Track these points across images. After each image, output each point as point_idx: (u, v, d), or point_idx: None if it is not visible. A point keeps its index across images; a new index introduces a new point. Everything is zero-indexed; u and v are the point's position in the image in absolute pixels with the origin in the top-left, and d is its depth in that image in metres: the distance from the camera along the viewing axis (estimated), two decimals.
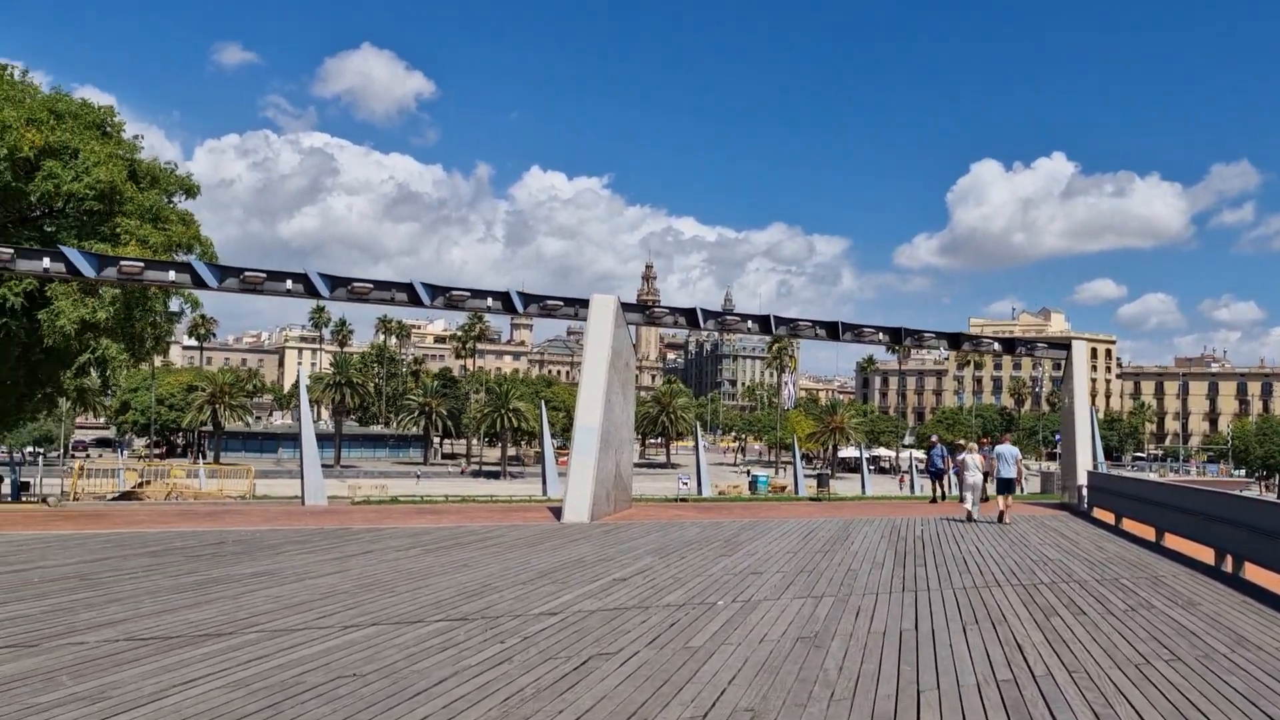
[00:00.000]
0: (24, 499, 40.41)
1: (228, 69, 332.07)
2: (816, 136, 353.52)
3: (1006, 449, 21.85)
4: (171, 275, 19.29)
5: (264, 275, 19.20)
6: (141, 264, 18.57)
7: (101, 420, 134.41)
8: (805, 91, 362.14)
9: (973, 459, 21.34)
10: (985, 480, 21.97)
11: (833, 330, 24.40)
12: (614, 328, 20.32)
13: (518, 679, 6.86)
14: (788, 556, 14.04)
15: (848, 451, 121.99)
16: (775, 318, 23.99)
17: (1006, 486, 20.98)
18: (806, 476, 54.84)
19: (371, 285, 20.20)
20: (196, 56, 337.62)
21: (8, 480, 51.20)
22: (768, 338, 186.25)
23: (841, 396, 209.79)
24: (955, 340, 26.81)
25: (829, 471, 72.97)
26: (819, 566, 12.99)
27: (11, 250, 17.38)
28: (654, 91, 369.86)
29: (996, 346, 27.73)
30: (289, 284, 19.38)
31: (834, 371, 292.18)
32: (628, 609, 9.60)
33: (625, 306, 21.68)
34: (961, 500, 22.03)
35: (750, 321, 23.91)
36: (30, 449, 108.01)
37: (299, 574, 11.49)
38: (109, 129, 28.93)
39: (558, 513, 19.78)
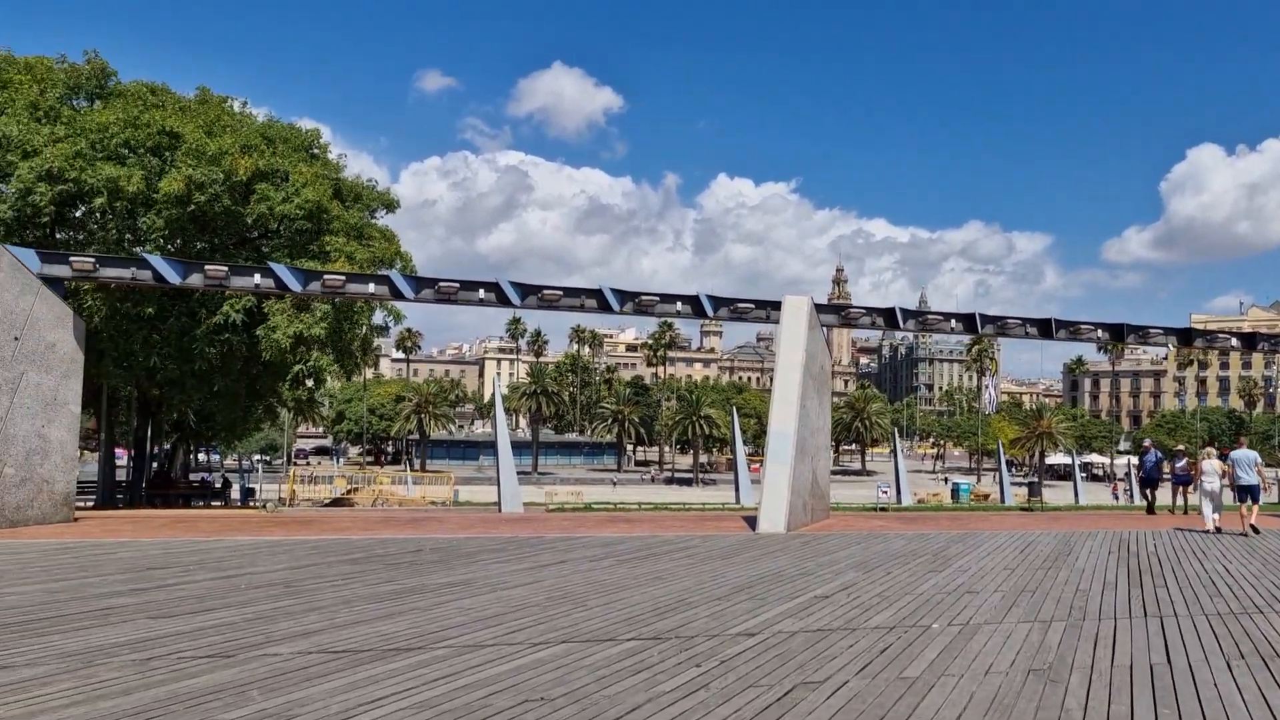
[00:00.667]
0: (251, 504, 43.16)
1: (429, 95, 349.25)
2: (1014, 128, 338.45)
3: (1244, 453, 19.70)
4: (371, 288, 19.85)
5: (457, 285, 19.47)
6: (343, 278, 19.19)
7: (319, 430, 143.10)
8: (1002, 81, 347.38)
9: (1211, 465, 19.31)
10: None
11: (1045, 328, 22.69)
12: (808, 330, 19.49)
13: (716, 709, 6.26)
14: (1005, 573, 12.88)
15: (1056, 458, 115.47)
16: (981, 315, 22.53)
17: (1248, 494, 18.87)
18: (1013, 484, 51.93)
19: (561, 292, 20.16)
20: (401, 85, 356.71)
21: (236, 486, 54.94)
22: (966, 339, 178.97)
23: (1047, 400, 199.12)
24: (1186, 336, 24.48)
25: (1038, 479, 69.12)
26: (1042, 585, 11.81)
27: (226, 268, 18.29)
28: (842, 92, 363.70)
29: (1234, 342, 25.18)
30: (481, 293, 19.57)
31: (1037, 374, 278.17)
32: (832, 630, 8.85)
33: (819, 308, 20.82)
34: (1199, 511, 19.98)
35: (953, 320, 22.54)
36: (257, 457, 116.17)
37: (492, 584, 11.32)
38: (316, 151, 30.32)
39: (752, 522, 19.12)
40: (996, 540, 17.26)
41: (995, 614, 9.84)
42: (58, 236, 27.36)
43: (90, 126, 26.02)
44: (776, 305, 20.54)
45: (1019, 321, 23.22)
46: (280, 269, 18.50)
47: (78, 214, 26.88)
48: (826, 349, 21.68)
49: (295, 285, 18.49)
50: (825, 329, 21.69)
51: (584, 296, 20.54)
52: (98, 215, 25.85)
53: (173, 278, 17.84)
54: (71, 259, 17.43)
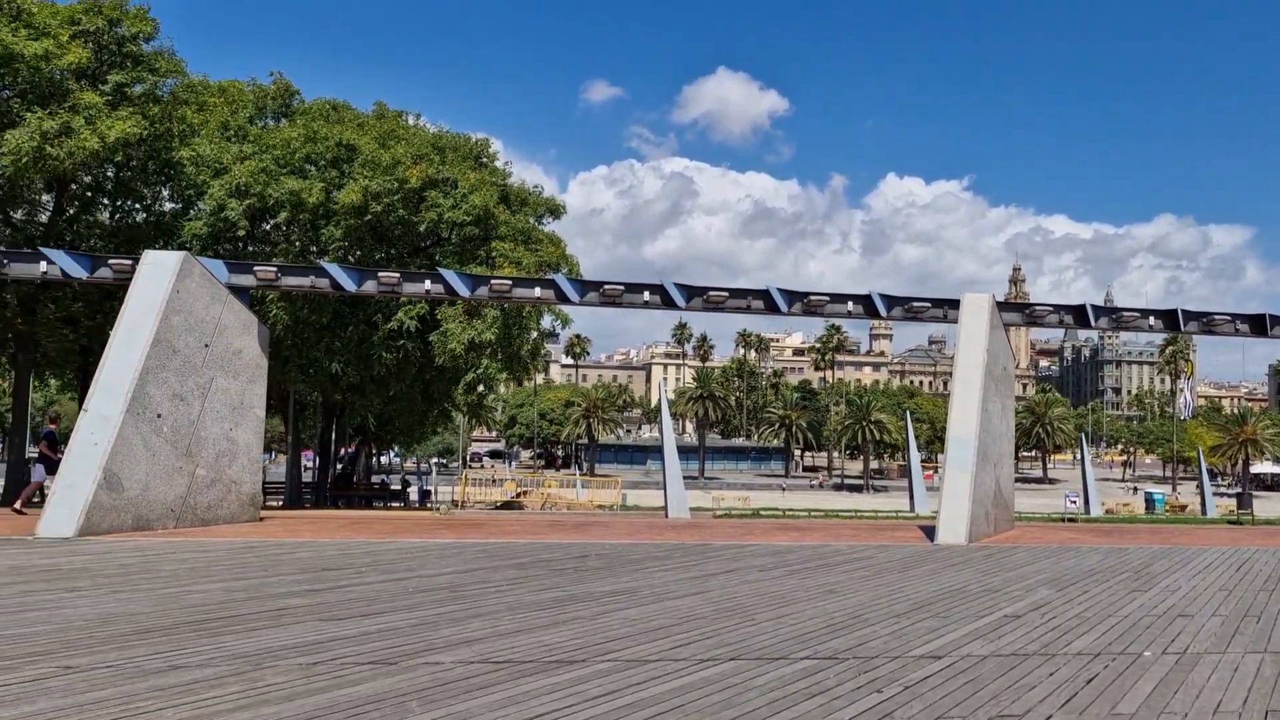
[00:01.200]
0: (428, 506, 44.55)
1: (595, 105, 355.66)
2: (1208, 111, 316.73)
3: None
4: (537, 292, 19.91)
5: (622, 288, 19.29)
6: (510, 282, 19.33)
7: (493, 434, 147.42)
8: (1193, 60, 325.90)
9: None
10: None
11: (1258, 325, 20.72)
12: (989, 328, 18.37)
13: None
14: (1221, 595, 11.61)
15: (1262, 467, 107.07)
16: (1184, 311, 20.76)
17: None
18: (1215, 495, 48.17)
19: (727, 293, 19.70)
20: (568, 97, 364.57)
21: (415, 488, 56.90)
22: (1158, 340, 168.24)
23: (1250, 404, 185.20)
24: None
25: (1245, 490, 63.94)
26: (1268, 610, 10.55)
27: (398, 275, 18.70)
28: (1016, 81, 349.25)
29: None
30: (646, 295, 19.33)
31: (1238, 376, 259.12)
32: (1027, 656, 8.04)
33: (1000, 305, 19.63)
34: None
35: (1152, 318, 20.85)
36: (435, 459, 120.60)
37: (657, 594, 10.95)
38: (484, 159, 30.88)
39: (930, 532, 18.13)
40: (1206, 557, 15.74)
41: (1216, 642, 8.78)
42: (249, 250, 28.81)
43: (274, 143, 27.27)
44: (954, 304, 19.47)
45: (1227, 318, 21.26)
46: (449, 274, 18.78)
47: (266, 228, 28.20)
48: (1009, 349, 20.42)
49: (464, 290, 18.74)
50: (1006, 328, 20.44)
51: (750, 298, 20.02)
52: (283, 228, 27.06)
53: (348, 285, 18.36)
54: (255, 268, 18.17)
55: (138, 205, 30.25)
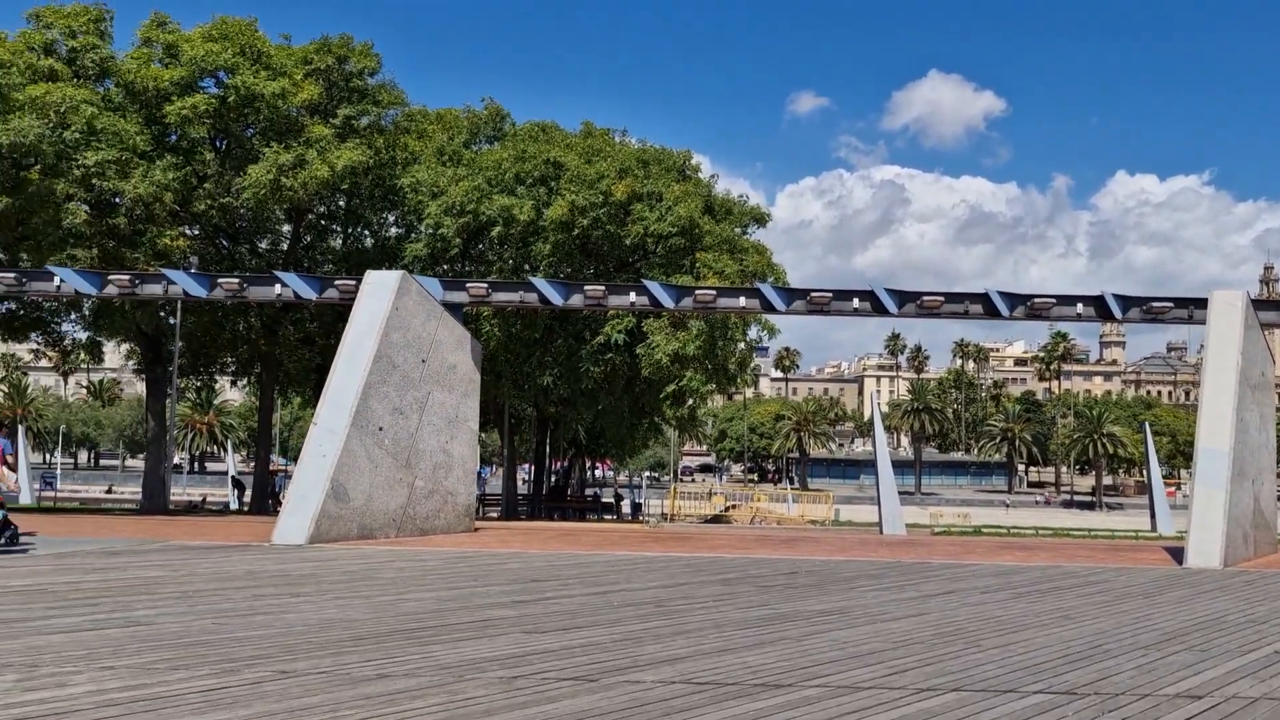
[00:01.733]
0: (640, 519, 45.00)
1: (802, 117, 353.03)
2: None
3: None
4: (741, 301, 19.56)
5: (830, 295, 18.66)
6: (714, 292, 19.09)
7: (703, 448, 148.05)
8: None
9: None
10: None
11: None
12: (1243, 329, 16.57)
13: None
14: None
15: None
16: None
17: None
18: None
19: (942, 298, 18.70)
20: (774, 109, 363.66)
21: (627, 501, 57.69)
22: None
23: None
24: None
25: None
26: None
27: (603, 288, 18.84)
28: (1259, 68, 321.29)
29: None
30: (855, 302, 18.62)
31: None
32: None
33: (1256, 304, 17.72)
34: None
35: None
36: (647, 473, 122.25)
37: (871, 615, 10.33)
38: (687, 171, 30.88)
39: (1176, 555, 16.50)
40: None
41: None
42: (464, 269, 29.95)
43: (486, 164, 28.24)
44: (1201, 303, 17.71)
45: None
46: (653, 286, 18.74)
47: (480, 247, 29.21)
48: (1269, 353, 18.38)
49: (668, 301, 18.65)
50: (1265, 330, 18.41)
51: (968, 302, 18.94)
52: (495, 245, 27.94)
53: (555, 299, 18.64)
54: (468, 285, 18.75)
55: (366, 231, 32.05)
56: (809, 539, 20.99)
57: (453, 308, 18.75)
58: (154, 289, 18.66)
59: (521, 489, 47.54)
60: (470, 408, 18.98)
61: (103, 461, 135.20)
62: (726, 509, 40.91)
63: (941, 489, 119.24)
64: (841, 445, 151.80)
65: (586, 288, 18.73)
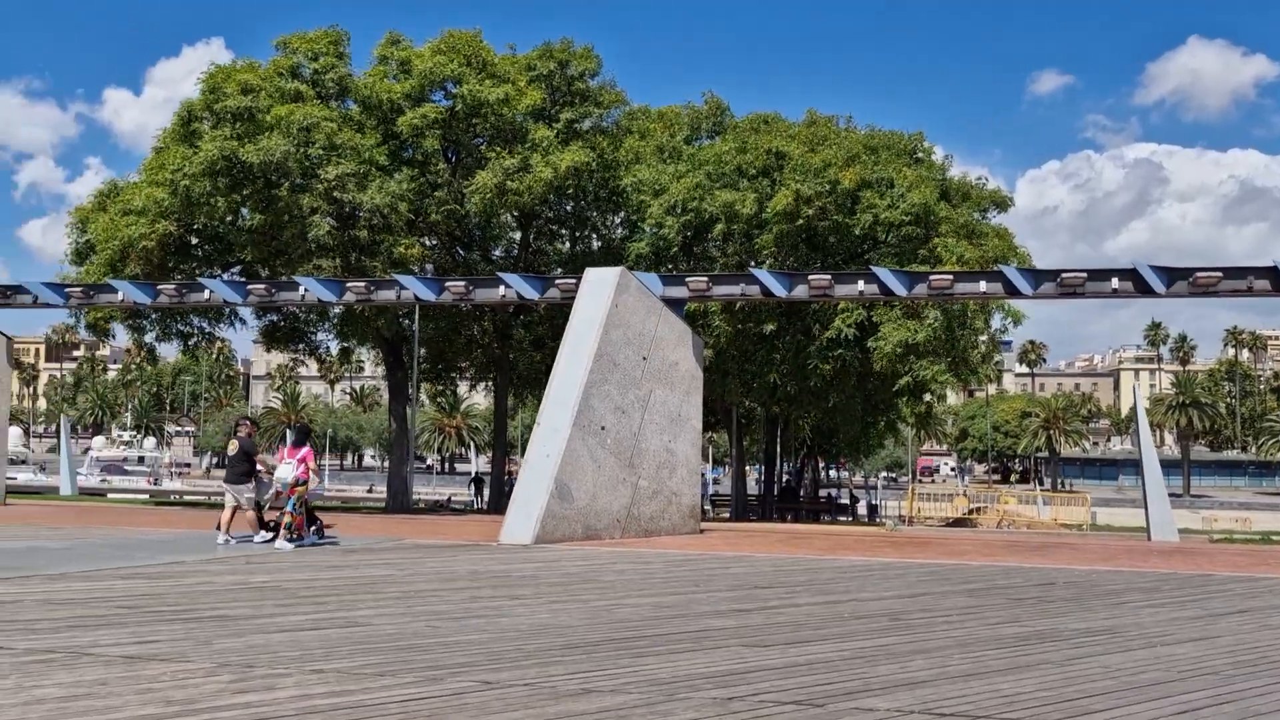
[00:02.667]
0: (877, 521, 43.31)
1: (1043, 97, 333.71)
2: None
3: None
4: (982, 286, 18.02)
5: (1084, 275, 16.87)
6: (951, 277, 17.65)
7: (943, 447, 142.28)
8: None
9: None
10: None
11: None
12: None
13: None
14: None
15: None
16: None
17: None
18: None
19: (1220, 274, 16.50)
20: (1013, 91, 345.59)
21: (863, 502, 55.86)
22: None
23: None
24: None
25: None
26: None
27: (829, 277, 17.82)
28: None
29: None
30: (1115, 283, 16.74)
31: None
32: None
33: None
34: None
35: None
36: (884, 474, 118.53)
37: (1147, 636, 8.91)
38: (920, 154, 29.23)
39: None
40: None
41: None
42: (687, 266, 29.57)
43: (707, 159, 27.73)
44: None
45: None
46: (883, 273, 17.55)
47: (703, 245, 28.73)
48: None
49: (900, 288, 17.41)
50: None
51: (1252, 277, 16.61)
52: (718, 241, 27.39)
53: (778, 290, 17.82)
54: (688, 279, 18.24)
55: (592, 234, 32.31)
56: (1065, 546, 19.12)
57: (673, 303, 18.31)
58: (387, 294, 19.31)
59: (753, 490, 46.85)
60: (693, 406, 18.46)
61: (365, 463, 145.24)
62: (970, 511, 38.51)
63: (1214, 491, 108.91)
64: (1096, 444, 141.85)
65: (811, 277, 17.78)
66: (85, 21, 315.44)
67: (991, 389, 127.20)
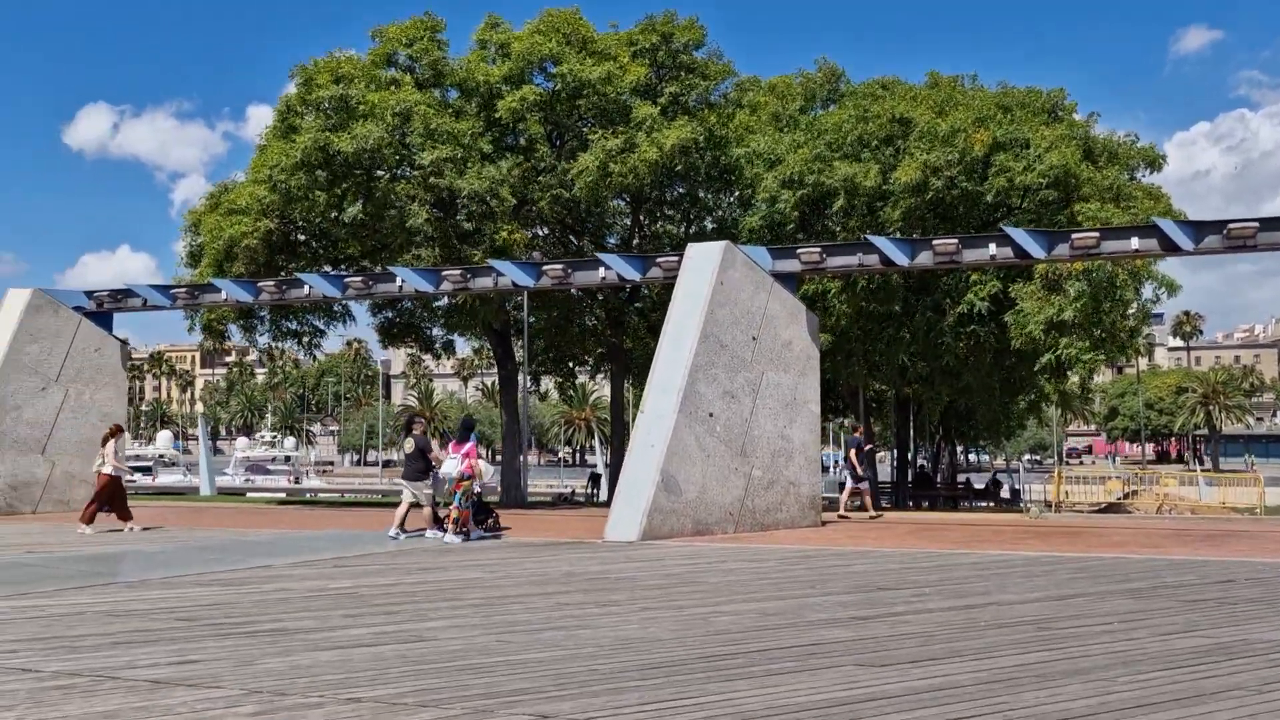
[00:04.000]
0: (1019, 506, 40.75)
1: (1189, 55, 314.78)
2: None
3: None
4: (1134, 243, 16.01)
5: (1255, 225, 14.76)
6: (1097, 234, 15.69)
7: (1091, 427, 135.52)
8: None
9: None
10: None
11: None
12: None
13: None
14: None
15: None
16: None
17: None
18: None
19: None
20: (1156, 51, 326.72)
21: (1006, 486, 52.96)
22: None
23: None
24: None
25: None
26: None
27: (956, 241, 16.11)
28: None
29: None
30: None
31: None
32: None
33: None
34: None
35: None
36: (1027, 456, 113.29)
37: None
38: (1059, 112, 26.96)
39: None
40: None
41: None
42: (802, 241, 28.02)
43: (825, 128, 26.13)
44: None
45: None
46: (1018, 233, 15.76)
47: (821, 220, 27.11)
48: None
49: (1037, 250, 15.59)
50: None
51: None
52: (838, 216, 25.76)
53: (899, 259, 16.24)
54: (799, 251, 16.82)
55: (706, 215, 31.02)
56: (1241, 534, 16.97)
57: (784, 278, 16.94)
58: (485, 282, 18.52)
59: (885, 476, 44.81)
60: (809, 388, 17.06)
61: (497, 457, 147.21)
62: (1124, 495, 35.43)
63: None
64: (1261, 419, 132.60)
65: (936, 242, 16.11)
66: (227, 42, 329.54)
67: (1143, 364, 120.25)
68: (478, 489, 15.52)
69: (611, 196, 26.26)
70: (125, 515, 16.96)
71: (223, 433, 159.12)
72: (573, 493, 48.04)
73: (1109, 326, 24.37)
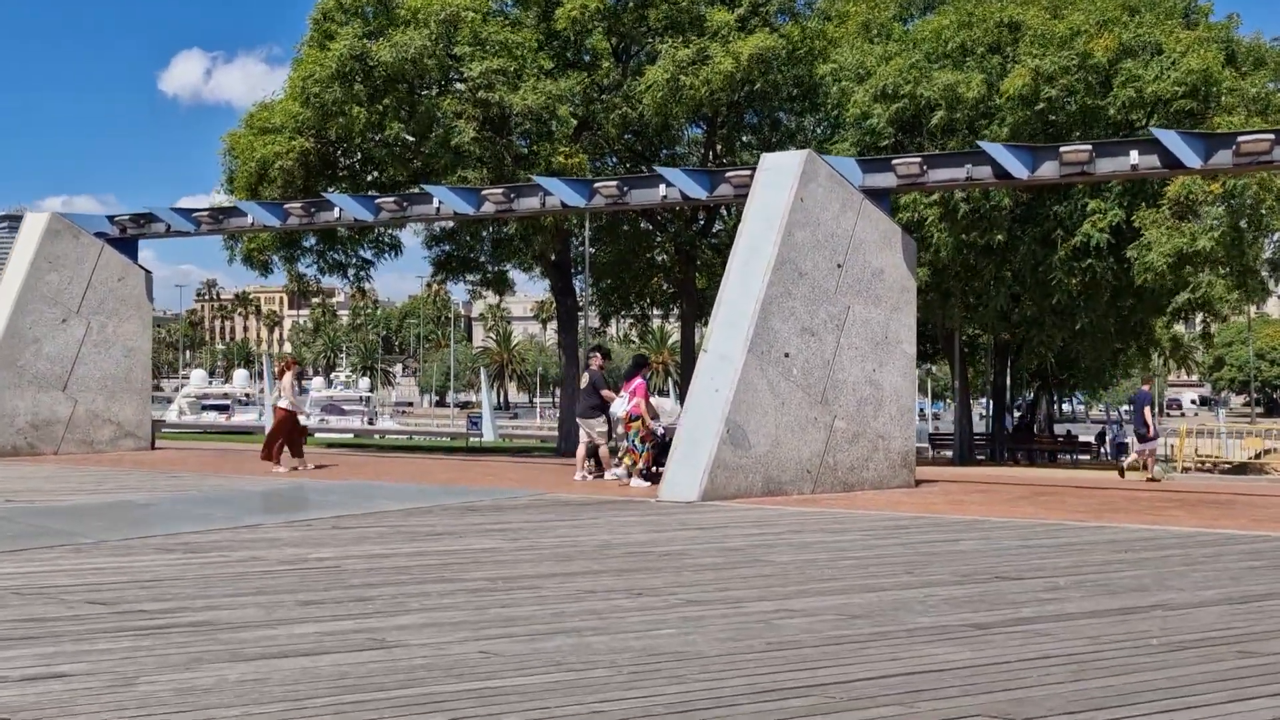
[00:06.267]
0: (1119, 462, 37.42)
1: None
2: None
3: None
4: None
5: None
6: (1270, 137, 12.75)
7: (1194, 378, 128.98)
8: None
9: None
10: None
11: None
12: None
13: None
14: None
15: None
16: None
17: None
18: None
19: None
20: None
21: (1108, 440, 49.39)
22: None
23: None
24: None
25: None
26: None
27: (1089, 148, 13.31)
28: None
29: None
30: None
31: None
32: None
33: None
34: None
35: None
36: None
37: None
38: (1194, 14, 23.58)
39: None
40: None
41: None
42: None
43: (923, 36, 23.20)
44: None
45: None
46: (1169, 136, 12.90)
47: (918, 138, 24.25)
48: None
49: (1193, 159, 12.71)
50: None
51: None
52: (936, 134, 22.88)
53: (1018, 170, 13.54)
54: (895, 163, 14.19)
55: (787, 140, 28.34)
56: None
57: (876, 195, 14.39)
58: (531, 202, 16.32)
59: (979, 427, 41.85)
60: (904, 325, 14.57)
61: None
62: (1258, 455, 31.91)
63: None
64: None
65: (1064, 149, 13.34)
66: None
67: (1252, 310, 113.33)
68: (660, 430, 14.76)
69: (684, 116, 23.74)
70: (297, 453, 16.59)
71: (309, 373, 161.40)
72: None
73: (1252, 260, 21.27)
